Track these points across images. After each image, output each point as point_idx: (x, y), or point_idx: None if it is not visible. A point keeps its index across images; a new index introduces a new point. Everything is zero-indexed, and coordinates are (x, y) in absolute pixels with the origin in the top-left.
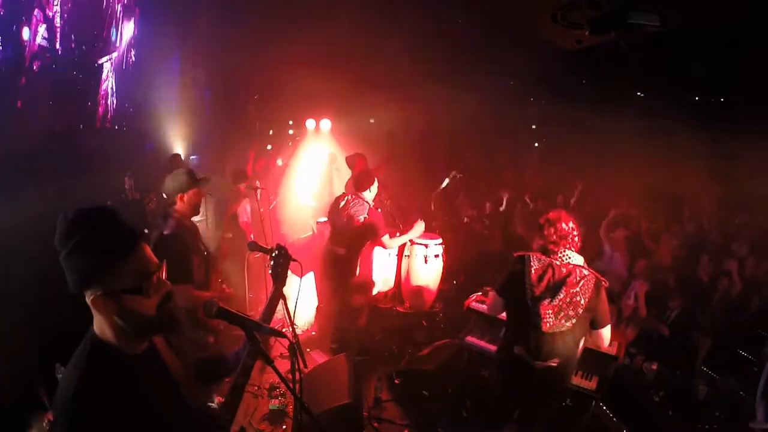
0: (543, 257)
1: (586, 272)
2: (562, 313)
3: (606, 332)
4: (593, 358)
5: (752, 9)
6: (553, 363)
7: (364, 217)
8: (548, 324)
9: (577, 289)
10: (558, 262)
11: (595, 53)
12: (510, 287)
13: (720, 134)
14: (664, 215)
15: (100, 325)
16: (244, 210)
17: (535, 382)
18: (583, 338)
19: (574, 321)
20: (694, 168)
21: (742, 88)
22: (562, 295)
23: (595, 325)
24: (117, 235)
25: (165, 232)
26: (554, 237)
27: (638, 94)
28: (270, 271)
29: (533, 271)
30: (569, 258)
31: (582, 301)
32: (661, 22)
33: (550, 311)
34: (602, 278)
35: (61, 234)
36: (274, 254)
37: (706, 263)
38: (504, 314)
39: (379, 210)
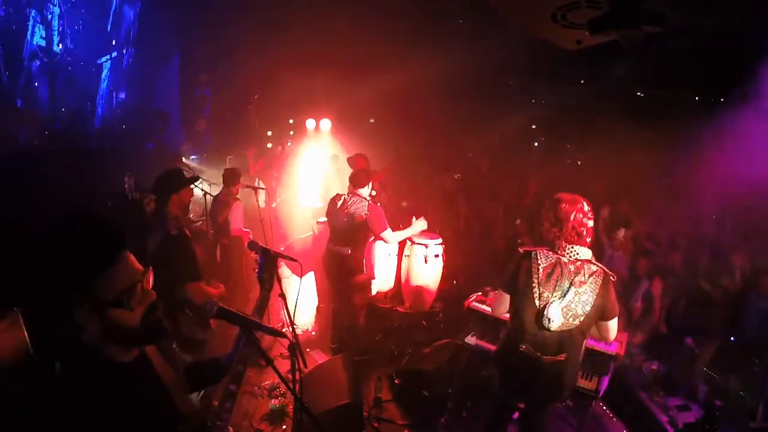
0: (550, 253)
1: (594, 267)
2: (571, 313)
3: (613, 324)
4: (593, 358)
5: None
6: (561, 358)
7: (365, 213)
8: (557, 325)
9: (586, 287)
10: (565, 259)
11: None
12: (517, 284)
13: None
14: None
15: (87, 335)
16: (237, 217)
17: (542, 377)
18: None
19: (582, 319)
20: (694, 168)
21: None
22: (571, 296)
23: (603, 317)
24: (101, 244)
25: (172, 233)
26: (556, 229)
27: (638, 94)
28: (256, 275)
29: (541, 270)
30: (577, 254)
31: (591, 299)
32: (661, 22)
33: (560, 312)
34: (610, 272)
35: (47, 244)
36: (258, 259)
37: (709, 264)
38: (506, 314)
39: (378, 204)
